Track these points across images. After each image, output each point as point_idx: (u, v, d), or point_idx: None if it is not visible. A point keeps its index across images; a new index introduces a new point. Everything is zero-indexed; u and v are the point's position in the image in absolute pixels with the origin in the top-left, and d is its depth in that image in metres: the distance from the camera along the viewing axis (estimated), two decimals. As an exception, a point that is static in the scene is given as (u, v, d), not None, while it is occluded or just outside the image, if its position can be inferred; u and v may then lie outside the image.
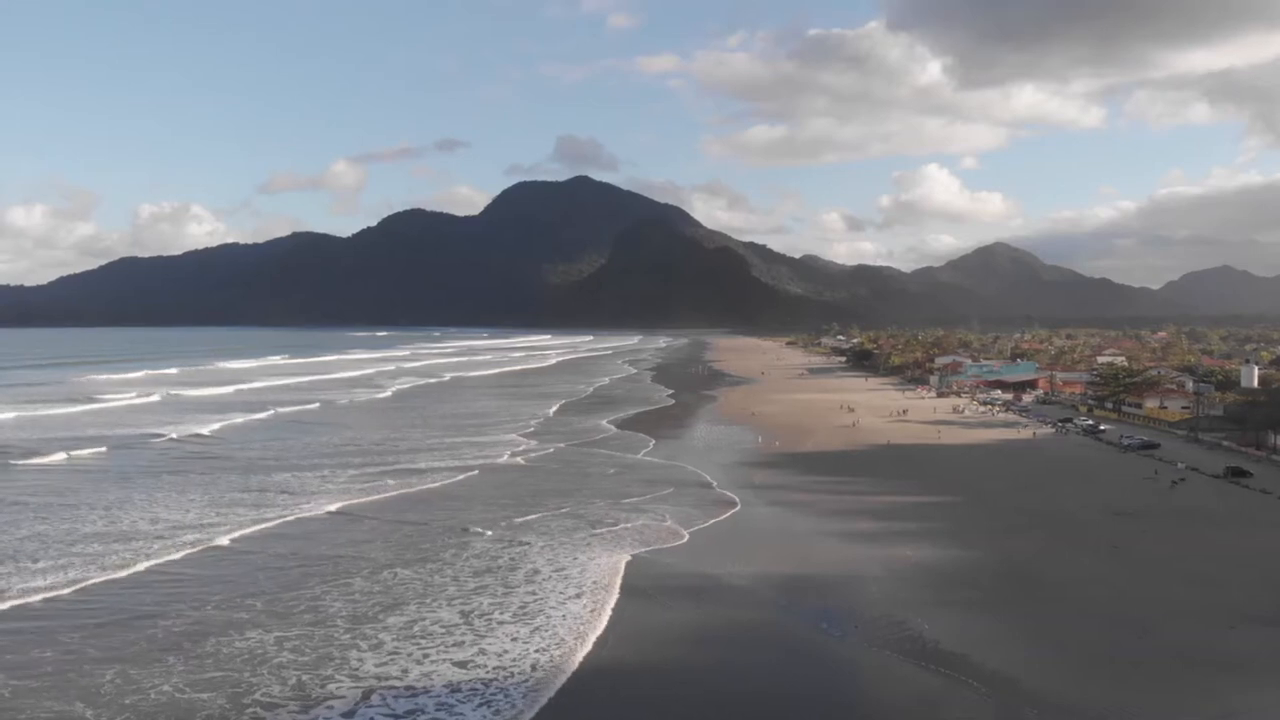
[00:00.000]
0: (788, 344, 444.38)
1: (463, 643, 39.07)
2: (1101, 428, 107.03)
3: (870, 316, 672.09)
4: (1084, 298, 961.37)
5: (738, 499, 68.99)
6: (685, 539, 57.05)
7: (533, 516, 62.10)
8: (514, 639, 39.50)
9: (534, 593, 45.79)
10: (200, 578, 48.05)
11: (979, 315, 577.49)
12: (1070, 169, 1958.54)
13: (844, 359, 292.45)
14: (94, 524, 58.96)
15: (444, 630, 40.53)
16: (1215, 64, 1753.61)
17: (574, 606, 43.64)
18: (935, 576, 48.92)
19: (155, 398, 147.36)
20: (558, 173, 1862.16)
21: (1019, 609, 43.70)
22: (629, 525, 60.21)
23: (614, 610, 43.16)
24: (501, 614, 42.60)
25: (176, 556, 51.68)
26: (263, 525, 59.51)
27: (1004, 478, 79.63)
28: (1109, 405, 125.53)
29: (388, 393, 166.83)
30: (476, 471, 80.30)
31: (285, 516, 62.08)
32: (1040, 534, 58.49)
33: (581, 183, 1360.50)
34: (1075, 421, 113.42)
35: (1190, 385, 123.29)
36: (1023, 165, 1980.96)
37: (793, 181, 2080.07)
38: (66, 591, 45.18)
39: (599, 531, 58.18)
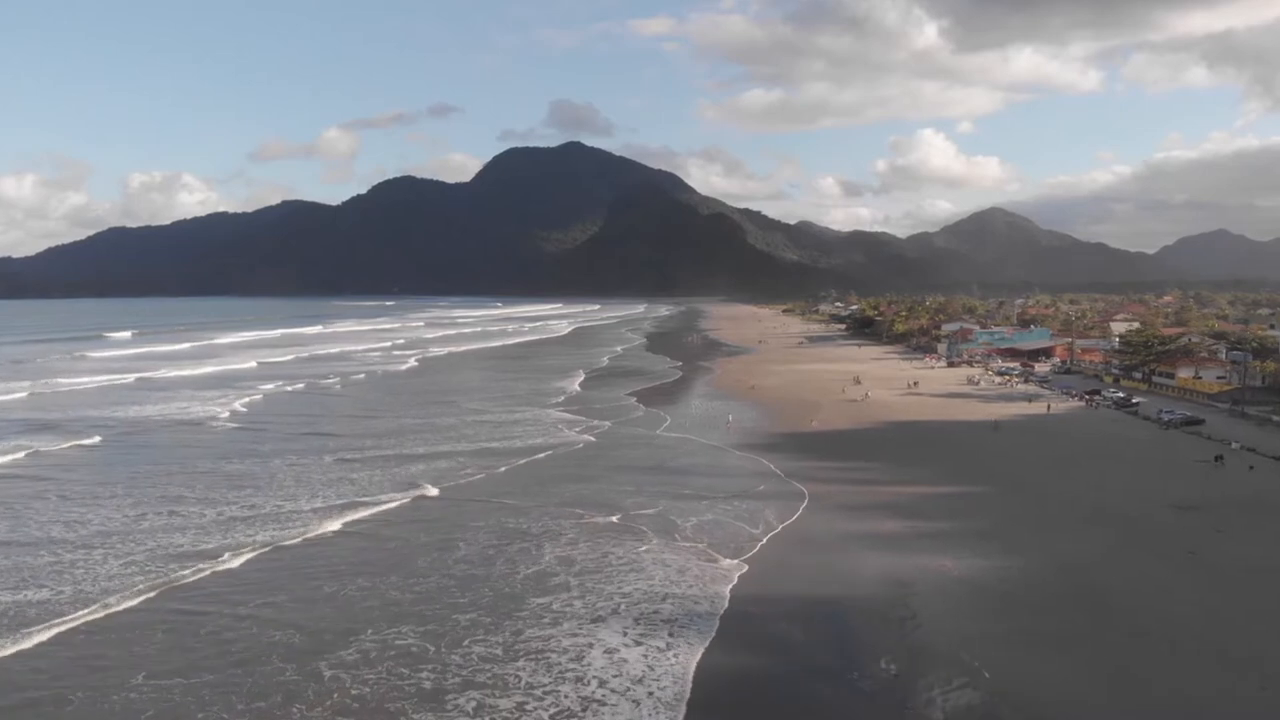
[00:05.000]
0: (784, 311, 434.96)
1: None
2: (1134, 400, 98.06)
3: (867, 282, 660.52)
4: (1081, 263, 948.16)
5: (759, 490, 60.30)
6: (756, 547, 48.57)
7: (615, 518, 54.04)
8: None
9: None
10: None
11: (976, 280, 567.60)
12: (1068, 133, 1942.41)
13: (844, 327, 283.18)
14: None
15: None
16: (1214, 25, 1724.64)
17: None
18: (984, 596, 40.05)
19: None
20: (552, 138, 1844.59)
21: (1097, 643, 34.77)
22: (700, 520, 53.33)
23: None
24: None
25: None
26: (372, 510, 55.70)
27: (1037, 461, 70.66)
28: (1137, 375, 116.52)
29: (411, 363, 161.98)
30: (544, 455, 73.62)
31: (389, 503, 57.47)
32: (1096, 534, 49.61)
33: (573, 149, 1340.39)
34: (1104, 393, 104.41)
35: (1224, 353, 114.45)
36: (1020, 129, 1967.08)
37: (790, 147, 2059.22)
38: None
39: (680, 543, 49.27)
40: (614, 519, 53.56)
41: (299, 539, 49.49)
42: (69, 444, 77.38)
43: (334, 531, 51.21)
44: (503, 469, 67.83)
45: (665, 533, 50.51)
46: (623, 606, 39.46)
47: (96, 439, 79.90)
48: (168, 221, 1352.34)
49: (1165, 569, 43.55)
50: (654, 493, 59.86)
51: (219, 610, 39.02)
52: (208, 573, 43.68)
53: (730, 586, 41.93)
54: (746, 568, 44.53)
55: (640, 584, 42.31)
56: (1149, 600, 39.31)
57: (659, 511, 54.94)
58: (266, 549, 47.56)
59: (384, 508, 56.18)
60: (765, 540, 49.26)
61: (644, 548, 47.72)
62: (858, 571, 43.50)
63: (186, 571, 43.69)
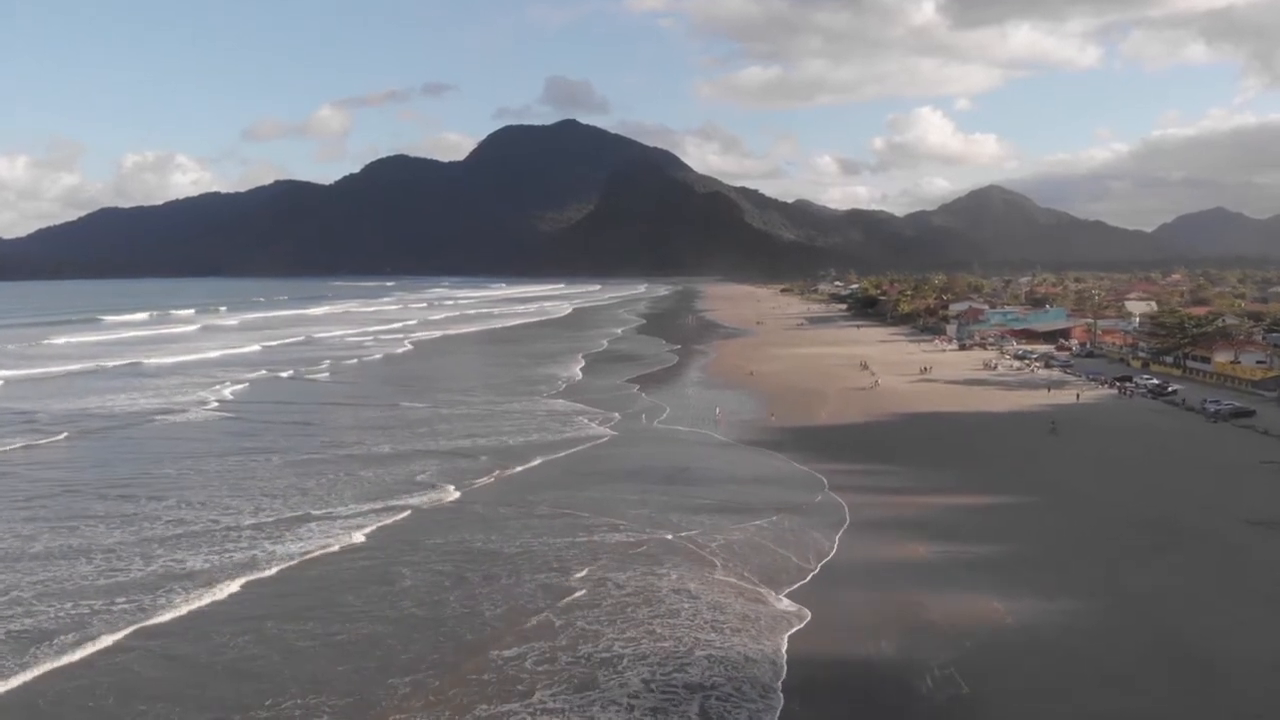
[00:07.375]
0: (782, 291, 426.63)
1: None
2: (1171, 388, 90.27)
3: (866, 261, 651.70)
4: (1079, 240, 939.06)
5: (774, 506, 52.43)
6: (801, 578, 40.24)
7: (621, 535, 45.79)
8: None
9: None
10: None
11: (976, 259, 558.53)
12: (1066, 110, 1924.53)
13: (845, 307, 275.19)
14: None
15: None
16: (1214, 1, 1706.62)
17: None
18: (1049, 656, 31.62)
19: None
20: (547, 115, 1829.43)
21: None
22: (729, 540, 45.22)
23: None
24: None
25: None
26: (393, 518, 48.99)
27: (1077, 460, 62.73)
28: (1168, 359, 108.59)
29: (407, 346, 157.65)
30: (562, 454, 65.60)
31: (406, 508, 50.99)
32: (1169, 562, 41.55)
33: (568, 126, 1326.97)
34: (1137, 380, 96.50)
35: (1262, 336, 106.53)
36: (1018, 107, 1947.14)
37: (787, 124, 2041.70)
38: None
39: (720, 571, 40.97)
40: (619, 536, 45.52)
41: (272, 567, 41.21)
42: (24, 443, 70.05)
43: (308, 556, 42.67)
44: (494, 477, 59.26)
45: (687, 555, 42.44)
46: (625, 663, 31.04)
47: (63, 435, 73.06)
48: (160, 202, 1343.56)
49: (1264, 614, 35.47)
50: (664, 504, 51.64)
51: (84, 678, 30.57)
52: (92, 621, 34.93)
53: (787, 640, 33.13)
54: (810, 615, 35.51)
55: (655, 627, 33.91)
56: (1258, 659, 31.22)
57: (673, 526, 47.07)
58: (184, 584, 38.79)
59: (367, 525, 47.92)
60: (817, 570, 40.91)
61: (660, 574, 39.65)
62: (903, 619, 35.27)
63: (67, 616, 35.07)
